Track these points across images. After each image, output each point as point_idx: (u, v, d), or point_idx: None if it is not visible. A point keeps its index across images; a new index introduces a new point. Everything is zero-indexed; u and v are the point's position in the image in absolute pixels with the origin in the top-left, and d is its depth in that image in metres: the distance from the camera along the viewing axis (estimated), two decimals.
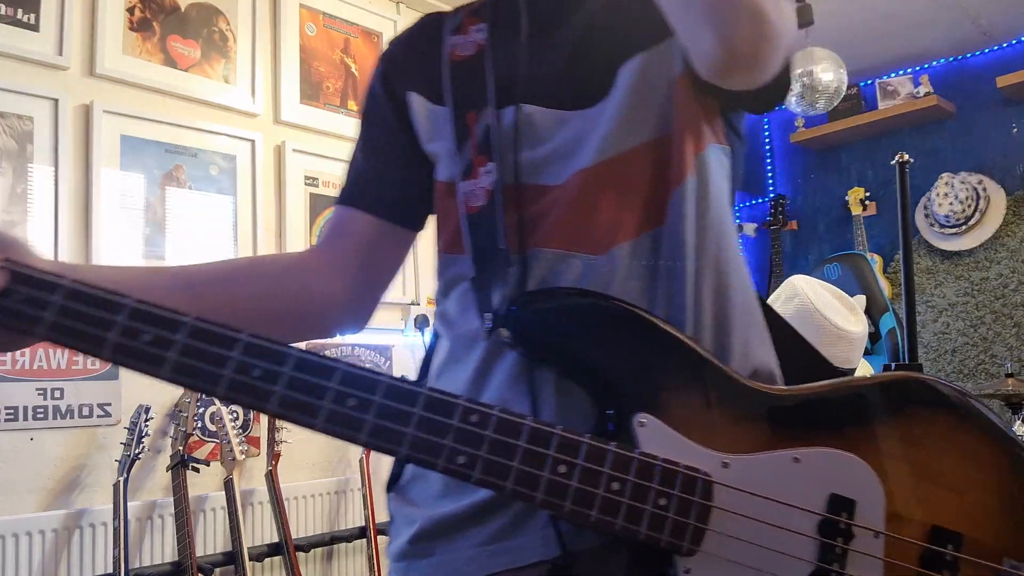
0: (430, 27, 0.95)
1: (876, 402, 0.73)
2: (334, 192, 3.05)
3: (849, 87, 3.65)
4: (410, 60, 0.94)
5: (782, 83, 0.82)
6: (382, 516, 2.78)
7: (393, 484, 0.90)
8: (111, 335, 0.65)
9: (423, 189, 0.92)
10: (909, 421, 0.73)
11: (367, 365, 3.28)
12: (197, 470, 2.40)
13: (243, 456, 2.50)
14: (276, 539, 2.58)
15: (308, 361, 0.66)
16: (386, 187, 0.95)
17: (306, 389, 0.65)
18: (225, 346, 0.65)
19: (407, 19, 3.39)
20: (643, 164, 0.80)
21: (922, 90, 3.90)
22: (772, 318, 0.87)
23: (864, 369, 2.18)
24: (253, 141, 2.83)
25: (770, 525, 0.68)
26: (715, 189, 0.82)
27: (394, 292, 3.48)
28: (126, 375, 2.43)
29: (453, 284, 0.87)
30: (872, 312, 3.21)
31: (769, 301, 2.19)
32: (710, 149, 0.82)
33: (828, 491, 0.69)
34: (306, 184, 2.99)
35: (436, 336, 0.93)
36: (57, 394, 2.30)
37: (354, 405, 0.65)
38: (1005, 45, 3.83)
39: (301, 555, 2.64)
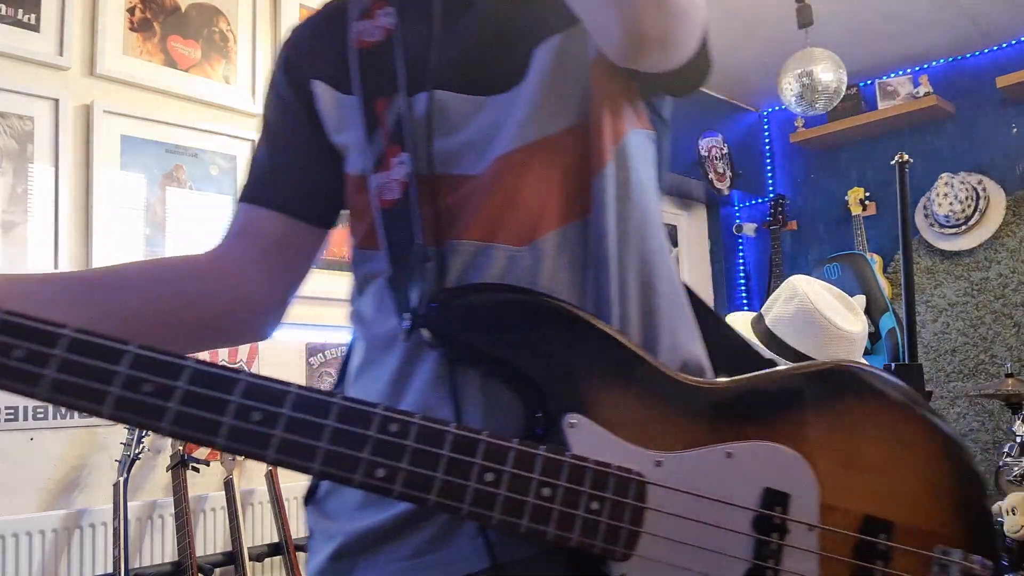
0: (335, 13, 0.89)
1: (805, 392, 0.73)
2: None
3: (849, 87, 3.65)
4: (315, 47, 0.88)
5: (701, 63, 0.80)
6: None
7: (310, 497, 0.85)
8: None
9: (333, 183, 0.87)
10: (839, 410, 0.72)
11: None
12: (197, 470, 2.40)
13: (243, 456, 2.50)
14: (276, 539, 2.58)
15: (206, 373, 0.60)
16: (294, 182, 0.89)
17: (204, 404, 0.59)
18: (111, 360, 0.58)
19: None
20: (565, 150, 0.78)
21: (922, 90, 3.90)
22: (700, 309, 0.85)
23: None
24: (253, 141, 2.83)
25: (705, 524, 0.66)
26: (637, 176, 0.80)
27: None
28: None
29: (368, 281, 0.83)
30: (872, 312, 3.21)
31: (769, 301, 2.19)
32: (632, 134, 0.80)
33: (762, 485, 0.68)
34: None
35: (353, 338, 0.88)
36: None
37: (259, 420, 0.60)
38: (1005, 45, 3.83)
39: (301, 555, 2.64)
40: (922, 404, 0.75)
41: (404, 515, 0.72)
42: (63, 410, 2.30)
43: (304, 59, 0.88)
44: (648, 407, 0.69)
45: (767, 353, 0.91)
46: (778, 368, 0.76)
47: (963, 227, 3.80)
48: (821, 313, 2.04)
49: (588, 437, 0.66)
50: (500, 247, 0.75)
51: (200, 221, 2.67)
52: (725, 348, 0.84)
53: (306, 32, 0.91)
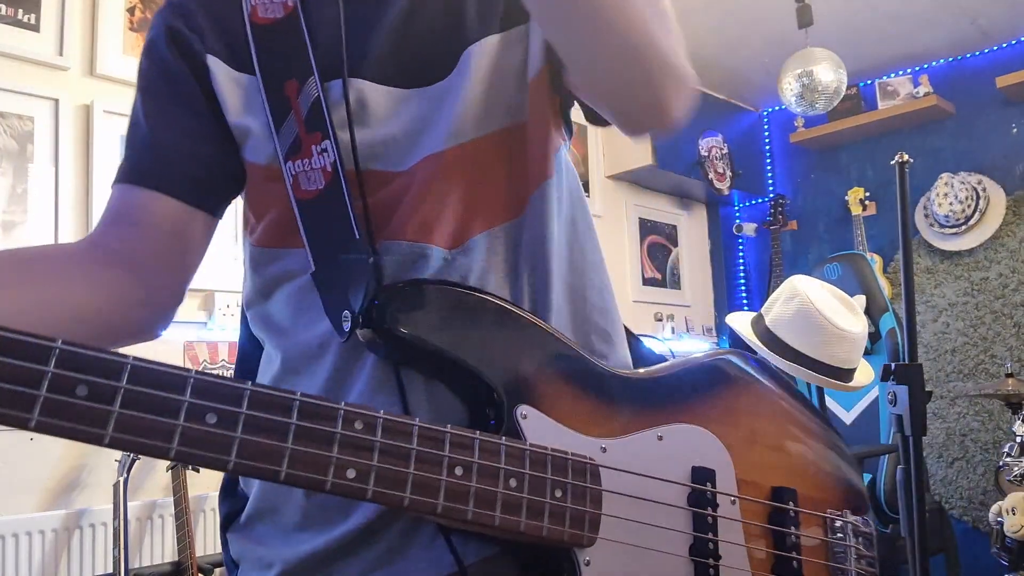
0: None
1: (709, 377, 0.80)
2: None
3: (849, 87, 3.65)
4: (205, 18, 0.78)
5: None
6: None
7: (230, 523, 0.79)
8: None
9: (231, 170, 0.79)
10: (736, 393, 0.81)
11: None
12: (197, 470, 2.40)
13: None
14: None
15: (148, 371, 0.52)
16: (184, 164, 0.77)
17: (150, 406, 0.51)
18: (38, 359, 0.49)
19: None
20: (498, 152, 0.76)
21: (922, 90, 3.90)
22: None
23: (864, 369, 2.18)
24: None
25: (652, 502, 0.70)
26: (570, 185, 0.82)
27: None
28: None
29: (278, 284, 0.77)
30: (872, 312, 3.21)
31: (769, 301, 2.19)
32: (563, 146, 0.82)
33: (691, 464, 0.73)
34: None
35: (253, 344, 0.81)
36: None
37: (216, 422, 0.53)
38: (1005, 45, 3.83)
39: None
40: (792, 387, 0.86)
41: (352, 534, 0.69)
42: None
43: (194, 30, 0.77)
44: (588, 397, 0.72)
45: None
46: (686, 358, 0.83)
47: (963, 227, 3.80)
48: (821, 313, 2.04)
49: (539, 427, 0.68)
50: (434, 248, 0.73)
51: None
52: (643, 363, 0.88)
53: (195, 1, 0.79)
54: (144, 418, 0.51)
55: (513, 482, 0.63)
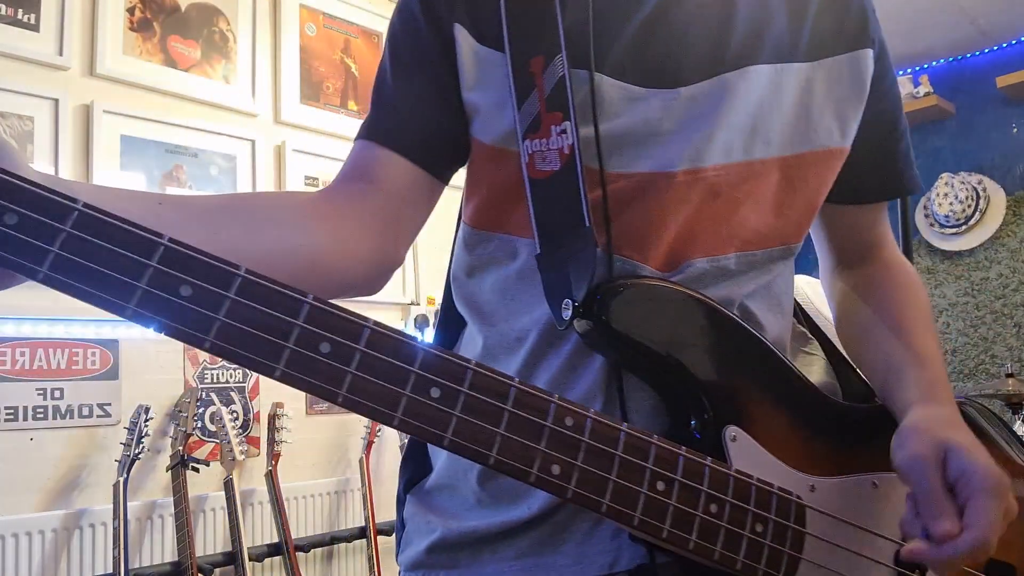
0: None
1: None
2: None
3: None
4: None
5: None
6: (382, 516, 2.77)
7: (413, 486, 0.82)
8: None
9: (460, 139, 0.78)
10: None
11: None
12: (197, 470, 2.40)
13: (243, 456, 2.50)
14: (276, 539, 2.58)
15: (384, 337, 0.53)
16: (428, 130, 0.77)
17: (382, 373, 0.52)
18: (292, 312, 0.51)
19: None
20: (740, 186, 0.73)
21: (922, 90, 3.90)
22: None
23: None
24: (253, 141, 2.83)
25: (855, 554, 0.65)
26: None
27: (394, 292, 3.47)
28: (126, 375, 2.43)
29: (488, 266, 0.78)
30: None
31: None
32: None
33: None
34: (306, 184, 2.99)
35: (456, 324, 0.83)
36: (57, 394, 2.30)
37: (439, 397, 0.53)
38: (1004, 45, 3.83)
39: (301, 555, 2.64)
40: None
41: (513, 522, 0.70)
42: (63, 410, 2.30)
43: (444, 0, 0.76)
44: (802, 427, 0.67)
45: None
46: None
47: (963, 227, 3.80)
48: (822, 313, 2.04)
49: (747, 453, 0.64)
50: (698, 260, 0.71)
51: None
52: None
53: None
54: (375, 383, 0.52)
55: (714, 507, 0.60)
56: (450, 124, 0.77)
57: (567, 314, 0.66)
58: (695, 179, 0.71)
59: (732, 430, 0.64)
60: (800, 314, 0.88)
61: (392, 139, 0.76)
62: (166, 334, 0.48)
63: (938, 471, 0.63)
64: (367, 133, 0.78)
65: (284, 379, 0.50)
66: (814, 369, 0.83)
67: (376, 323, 0.53)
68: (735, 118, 0.72)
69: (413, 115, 0.77)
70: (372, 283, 0.78)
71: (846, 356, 0.86)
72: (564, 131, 0.70)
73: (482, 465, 0.55)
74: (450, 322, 0.84)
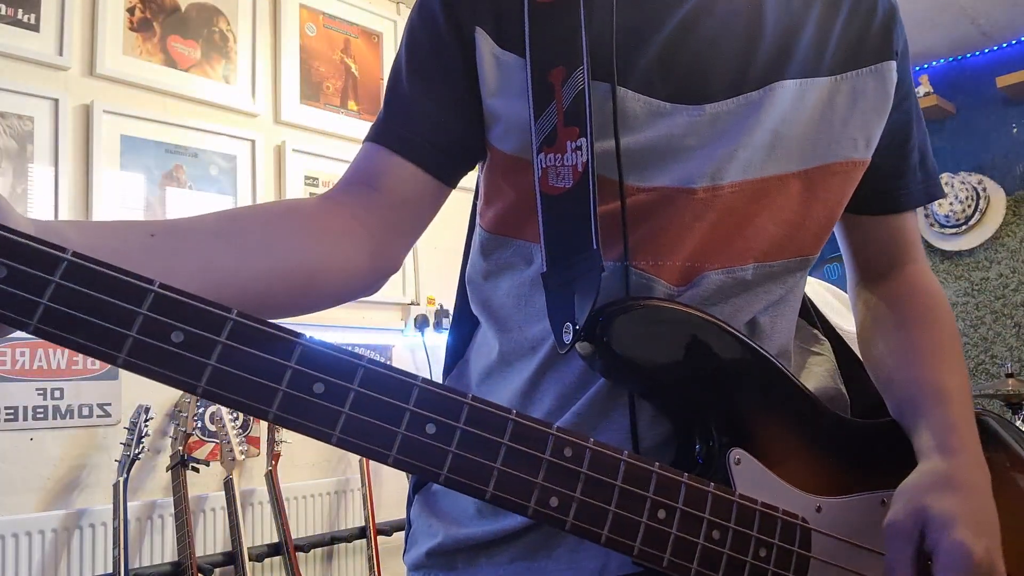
0: None
1: None
2: None
3: None
4: None
5: None
6: (382, 516, 2.77)
7: (421, 487, 0.82)
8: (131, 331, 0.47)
9: (476, 145, 0.77)
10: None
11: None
12: (197, 470, 2.40)
13: (243, 456, 2.50)
14: (276, 539, 2.58)
15: (380, 376, 0.52)
16: (441, 136, 0.75)
17: (376, 411, 0.51)
18: (284, 355, 0.50)
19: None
20: (787, 195, 0.73)
21: (922, 90, 3.90)
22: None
23: None
24: (253, 141, 2.83)
25: (860, 575, 0.64)
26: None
27: (394, 292, 3.46)
28: (126, 375, 2.43)
29: (504, 271, 0.77)
30: None
31: None
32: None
33: None
34: (306, 184, 2.99)
35: (470, 324, 0.83)
36: (57, 394, 2.30)
37: (434, 434, 0.52)
38: (1005, 45, 3.83)
39: (301, 555, 2.64)
40: None
41: (512, 528, 0.71)
42: (63, 410, 2.30)
43: (467, 2, 0.74)
44: (808, 446, 0.66)
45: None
46: None
47: (963, 227, 3.80)
48: (822, 313, 2.04)
49: (751, 476, 0.63)
50: (713, 273, 0.70)
51: None
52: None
53: None
54: (370, 422, 0.51)
55: (716, 534, 0.59)
56: (464, 131, 0.76)
57: (568, 338, 0.65)
58: (714, 196, 0.70)
59: (736, 453, 0.63)
60: (814, 314, 0.88)
61: (403, 145, 0.75)
62: (159, 381, 0.48)
63: (910, 544, 0.62)
64: (377, 136, 0.76)
65: (277, 421, 0.50)
66: (820, 372, 0.82)
67: (371, 361, 0.52)
68: (758, 136, 0.71)
69: (426, 120, 0.75)
70: (368, 290, 0.77)
71: (860, 360, 0.85)
72: (579, 147, 0.68)
73: (477, 498, 0.54)
74: (464, 321, 0.84)
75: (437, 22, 0.74)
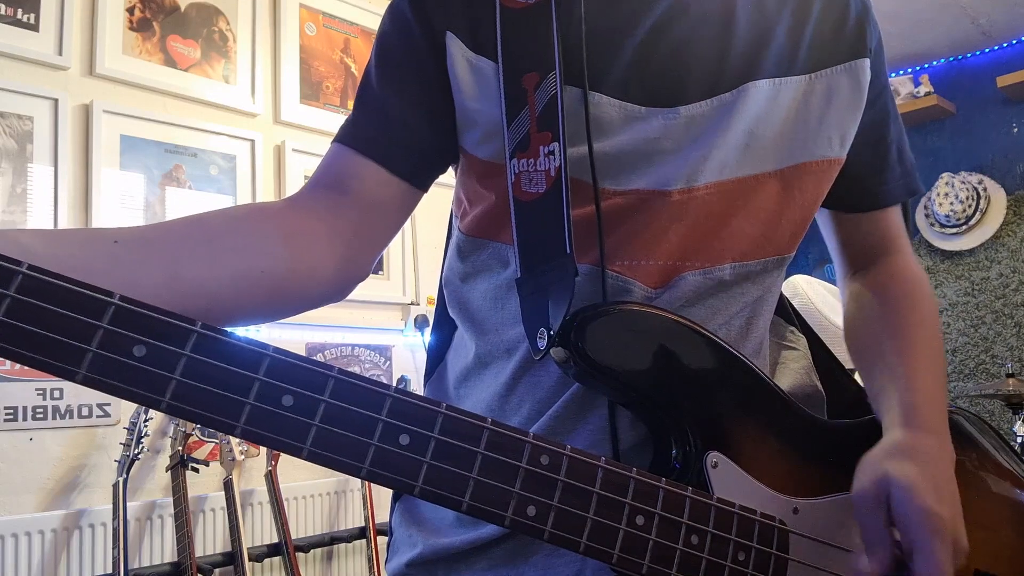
0: None
1: None
2: None
3: None
4: None
5: None
6: (382, 516, 2.77)
7: (401, 495, 0.82)
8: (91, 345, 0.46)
9: (449, 149, 0.76)
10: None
11: (367, 366, 3.22)
12: (197, 470, 2.40)
13: (242, 456, 2.50)
14: (276, 539, 2.58)
15: (351, 387, 0.51)
16: (412, 140, 0.74)
17: (347, 423, 0.50)
18: (250, 367, 0.49)
19: None
20: (731, 202, 0.72)
21: (922, 90, 3.90)
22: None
23: None
24: (253, 141, 2.83)
25: (837, 575, 0.64)
26: None
27: (394, 292, 3.45)
28: None
29: (480, 272, 0.77)
30: None
31: None
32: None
33: None
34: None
35: (449, 327, 0.82)
36: (57, 394, 2.30)
37: (408, 444, 0.51)
38: (1005, 45, 3.83)
39: (301, 555, 2.64)
40: (1020, 458, 0.75)
41: (490, 535, 0.71)
42: (63, 410, 2.30)
43: (439, 6, 0.73)
44: (785, 448, 0.67)
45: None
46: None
47: (963, 227, 3.80)
48: (821, 313, 2.04)
49: (729, 479, 0.63)
50: (635, 284, 0.70)
51: None
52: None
53: None
54: (341, 434, 0.50)
55: (695, 539, 0.59)
56: (436, 134, 0.75)
57: (542, 344, 0.65)
58: (689, 197, 0.70)
59: (713, 456, 0.63)
60: (790, 309, 0.88)
61: (373, 148, 0.73)
62: (120, 397, 0.46)
63: (878, 509, 0.63)
64: (346, 138, 0.75)
65: (245, 436, 0.49)
66: (796, 368, 0.82)
67: (340, 371, 0.51)
68: (732, 137, 0.71)
69: (397, 123, 0.74)
70: (337, 295, 0.75)
71: (837, 358, 0.86)
72: (552, 152, 0.68)
73: (455, 511, 0.53)
74: (443, 323, 0.83)
75: (408, 26, 0.74)
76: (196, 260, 0.62)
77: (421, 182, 0.76)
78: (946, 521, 0.61)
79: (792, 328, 0.87)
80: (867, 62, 0.78)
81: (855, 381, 0.87)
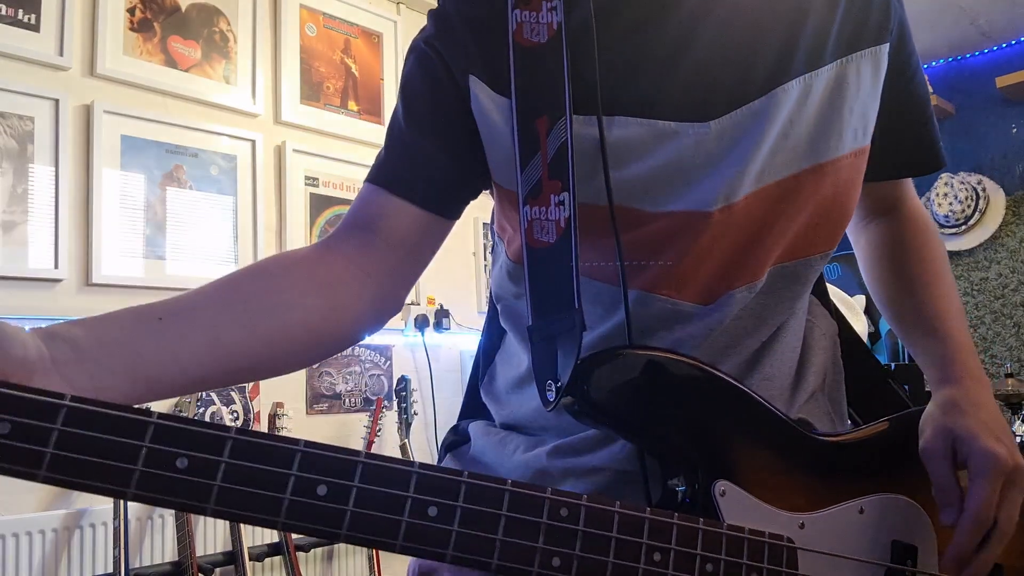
0: None
1: (912, 441, 0.74)
2: (335, 192, 3.05)
3: None
4: (469, 32, 0.74)
5: None
6: None
7: (451, 449, 0.89)
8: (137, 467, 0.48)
9: (479, 182, 0.79)
10: None
11: (367, 366, 3.21)
12: None
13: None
14: (276, 539, 2.58)
15: (377, 469, 0.53)
16: (441, 179, 0.76)
17: (378, 504, 0.53)
18: (284, 463, 0.51)
19: (407, 19, 3.39)
20: (803, 193, 0.73)
21: None
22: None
23: None
24: (253, 141, 2.83)
25: None
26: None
27: None
28: None
29: (521, 295, 0.80)
30: (872, 312, 3.21)
31: None
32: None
33: (891, 538, 0.70)
34: (306, 184, 2.99)
35: (499, 331, 0.85)
36: None
37: (436, 516, 0.54)
38: (1004, 45, 3.83)
39: (301, 555, 2.64)
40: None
41: None
42: None
43: (459, 46, 0.74)
44: (787, 467, 0.69)
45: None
46: (892, 416, 0.78)
47: (963, 227, 3.80)
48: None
49: (737, 504, 0.65)
50: (683, 303, 0.73)
51: (200, 221, 2.67)
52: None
53: (459, 10, 0.76)
54: (374, 515, 0.52)
55: (709, 567, 0.61)
56: (463, 171, 0.76)
57: (551, 395, 0.67)
58: (730, 214, 0.71)
59: (721, 485, 0.65)
60: (828, 293, 0.92)
61: (401, 186, 0.75)
62: (168, 508, 0.49)
63: (946, 460, 0.70)
64: (376, 178, 0.77)
65: (286, 529, 0.51)
66: (825, 344, 0.87)
67: (367, 455, 0.53)
68: (765, 144, 0.71)
69: (425, 161, 0.75)
70: (373, 329, 0.77)
71: (858, 334, 0.92)
72: (562, 202, 0.69)
73: (485, 572, 0.56)
74: (495, 328, 0.88)
75: (433, 68, 0.75)
76: (234, 325, 0.65)
77: (451, 212, 0.78)
78: (1006, 456, 0.69)
79: (827, 311, 0.90)
80: (887, 48, 0.77)
81: (872, 356, 0.94)
